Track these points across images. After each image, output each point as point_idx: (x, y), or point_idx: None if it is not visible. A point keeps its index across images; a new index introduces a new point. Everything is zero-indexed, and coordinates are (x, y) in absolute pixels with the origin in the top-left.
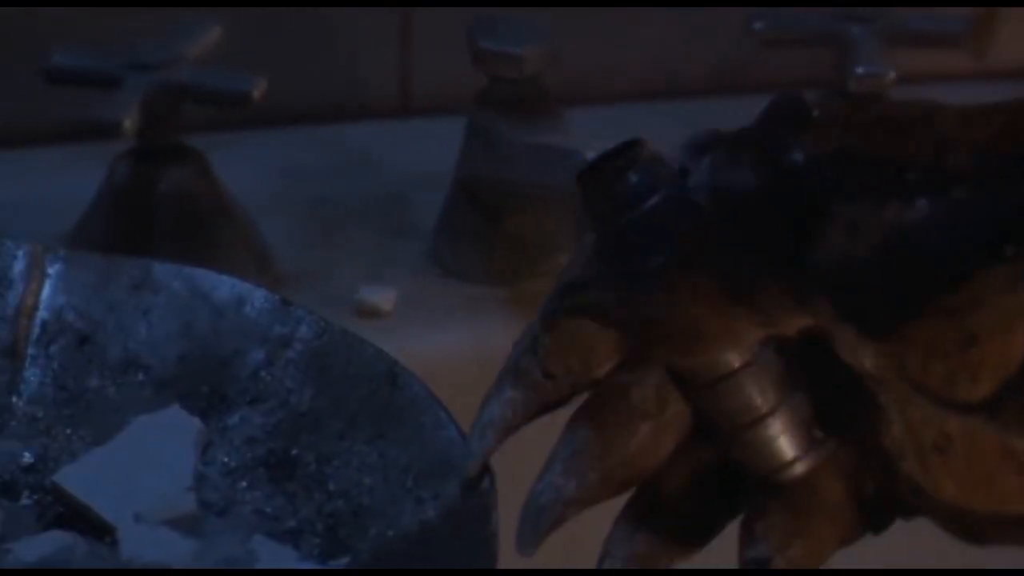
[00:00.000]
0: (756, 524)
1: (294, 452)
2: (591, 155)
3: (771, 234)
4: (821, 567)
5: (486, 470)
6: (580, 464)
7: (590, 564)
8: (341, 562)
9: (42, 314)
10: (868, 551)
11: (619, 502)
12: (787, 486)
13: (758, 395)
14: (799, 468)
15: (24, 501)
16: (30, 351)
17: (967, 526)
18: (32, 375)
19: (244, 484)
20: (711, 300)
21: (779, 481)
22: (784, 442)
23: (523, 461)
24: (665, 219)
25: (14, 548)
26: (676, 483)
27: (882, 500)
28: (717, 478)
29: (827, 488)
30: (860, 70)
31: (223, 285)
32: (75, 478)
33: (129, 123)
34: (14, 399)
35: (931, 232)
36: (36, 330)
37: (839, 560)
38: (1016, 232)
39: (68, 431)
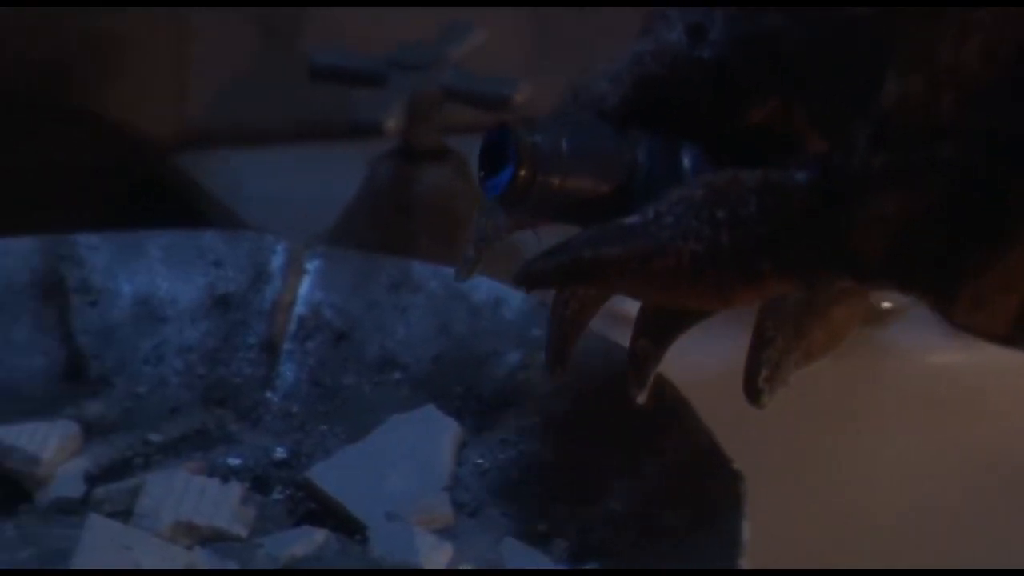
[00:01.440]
0: (767, 321)
1: (547, 456)
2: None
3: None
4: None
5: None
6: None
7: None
8: (591, 567)
9: (299, 310)
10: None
11: None
12: None
13: None
14: None
15: (276, 496)
16: (286, 346)
17: None
18: (288, 370)
19: (496, 486)
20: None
21: None
22: None
23: (774, 473)
24: (612, 146)
25: (265, 543)
26: None
27: None
28: None
29: None
30: None
31: (481, 286)
32: (328, 475)
33: (392, 123)
34: (269, 394)
35: (933, 218)
36: (293, 326)
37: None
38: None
39: (322, 427)
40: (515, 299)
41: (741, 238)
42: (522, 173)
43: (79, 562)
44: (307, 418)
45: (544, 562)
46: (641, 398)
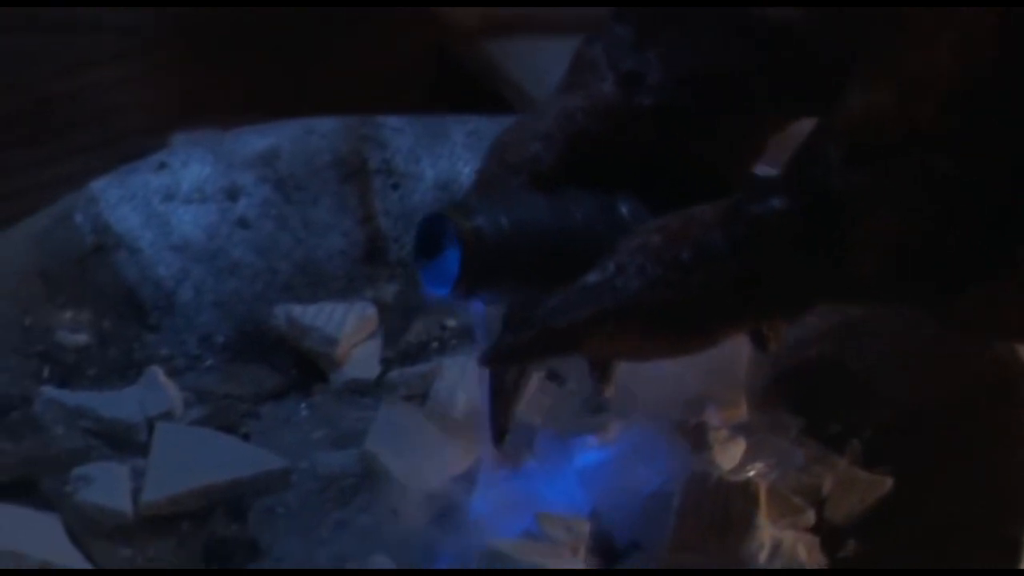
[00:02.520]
0: None
1: (842, 358)
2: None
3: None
4: None
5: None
6: None
7: None
8: (880, 471)
9: None
10: None
11: None
12: None
13: None
14: None
15: (571, 386)
16: None
17: None
18: None
19: (791, 386)
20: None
21: None
22: None
23: None
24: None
25: (558, 433)
26: None
27: None
28: None
29: None
30: None
31: None
32: (624, 369)
33: None
34: None
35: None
36: None
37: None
38: None
39: None
40: None
41: (713, 276)
42: (471, 264)
43: (371, 443)
44: None
45: (840, 467)
46: (609, 392)
